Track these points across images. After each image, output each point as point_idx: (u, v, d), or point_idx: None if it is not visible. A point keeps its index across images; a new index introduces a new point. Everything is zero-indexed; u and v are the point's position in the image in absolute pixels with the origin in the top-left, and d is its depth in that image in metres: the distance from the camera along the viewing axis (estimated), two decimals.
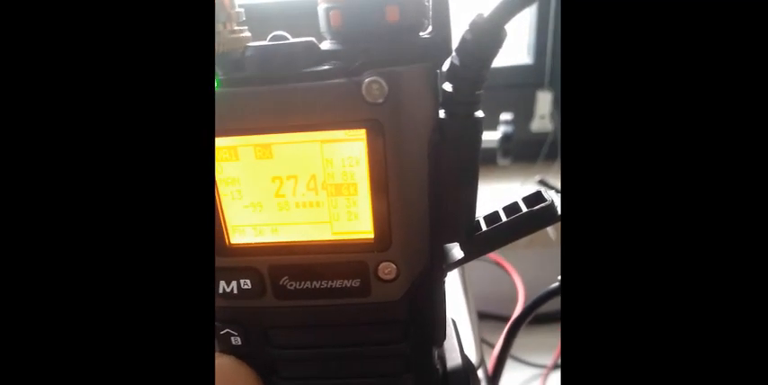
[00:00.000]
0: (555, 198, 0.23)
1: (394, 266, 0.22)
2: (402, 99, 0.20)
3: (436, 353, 0.27)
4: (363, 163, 0.21)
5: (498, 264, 0.74)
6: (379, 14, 0.20)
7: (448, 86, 0.21)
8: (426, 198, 0.22)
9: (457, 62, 0.21)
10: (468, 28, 0.20)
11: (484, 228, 0.24)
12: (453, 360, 0.29)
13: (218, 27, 0.21)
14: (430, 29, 0.21)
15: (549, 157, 0.98)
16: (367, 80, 0.19)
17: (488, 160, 0.91)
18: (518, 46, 1.04)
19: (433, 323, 0.25)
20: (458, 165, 0.22)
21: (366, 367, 0.25)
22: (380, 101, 0.19)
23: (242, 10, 0.22)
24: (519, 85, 1.00)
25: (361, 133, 0.20)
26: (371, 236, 0.22)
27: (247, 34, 0.22)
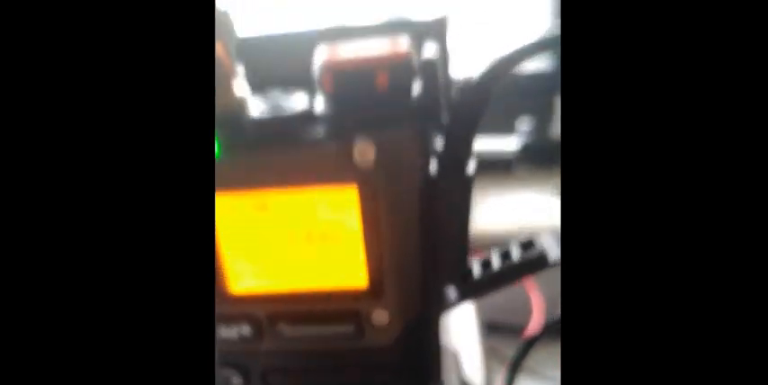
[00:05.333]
0: (547, 245, 0.24)
1: (387, 313, 0.23)
2: (391, 160, 0.20)
3: None
4: (356, 217, 0.21)
5: None
6: (369, 81, 0.20)
7: (438, 145, 0.22)
8: (418, 248, 0.23)
9: (446, 122, 0.21)
10: (457, 91, 0.21)
11: (477, 272, 0.24)
12: None
13: (218, 88, 0.22)
14: (420, 89, 0.22)
15: None
16: (357, 144, 0.20)
17: (505, 168, 0.91)
18: None
19: (425, 365, 0.26)
20: (449, 218, 0.23)
21: None
22: (370, 162, 0.20)
23: (241, 67, 0.23)
24: (537, 92, 1.00)
25: (354, 191, 0.21)
26: (365, 284, 0.23)
27: (245, 94, 0.22)
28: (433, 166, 0.22)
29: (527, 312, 0.76)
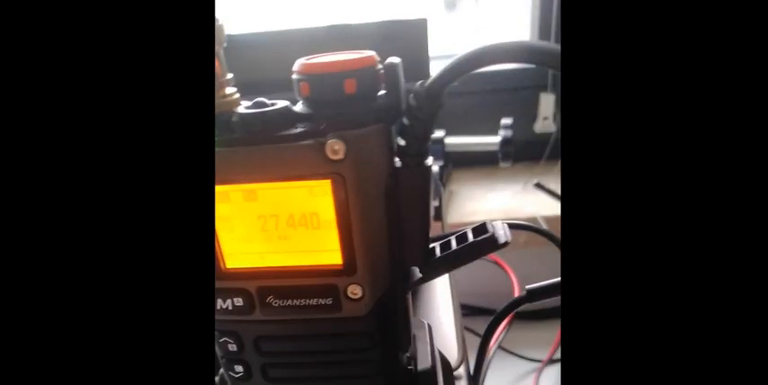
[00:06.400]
0: (497, 229, 0.28)
1: (360, 288, 0.27)
2: (359, 155, 0.24)
3: (406, 356, 0.32)
4: (330, 206, 0.25)
5: (496, 263, 0.78)
6: (339, 86, 0.24)
7: (401, 141, 0.25)
8: (385, 232, 0.26)
9: (406, 122, 0.25)
10: (411, 94, 0.25)
11: (438, 253, 0.28)
12: (424, 362, 0.33)
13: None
14: (384, 91, 0.25)
15: (552, 158, 1.02)
16: (329, 141, 0.24)
17: (491, 162, 0.95)
18: None
19: (396, 333, 0.29)
20: (410, 204, 0.26)
21: (341, 370, 0.29)
22: (341, 157, 0.24)
23: (231, 76, 0.26)
24: (522, 88, 1.04)
25: (327, 183, 0.25)
26: (340, 263, 0.26)
27: (236, 96, 0.26)
28: (397, 160, 0.26)
29: (506, 297, 0.80)
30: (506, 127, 0.86)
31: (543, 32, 1.06)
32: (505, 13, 1.17)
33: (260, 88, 0.33)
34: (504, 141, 0.84)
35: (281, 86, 0.36)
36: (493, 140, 0.89)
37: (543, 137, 1.05)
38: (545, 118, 1.05)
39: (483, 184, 0.95)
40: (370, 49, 0.27)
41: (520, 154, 0.98)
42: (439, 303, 0.51)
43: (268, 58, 0.46)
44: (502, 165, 0.88)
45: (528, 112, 1.06)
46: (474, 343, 0.51)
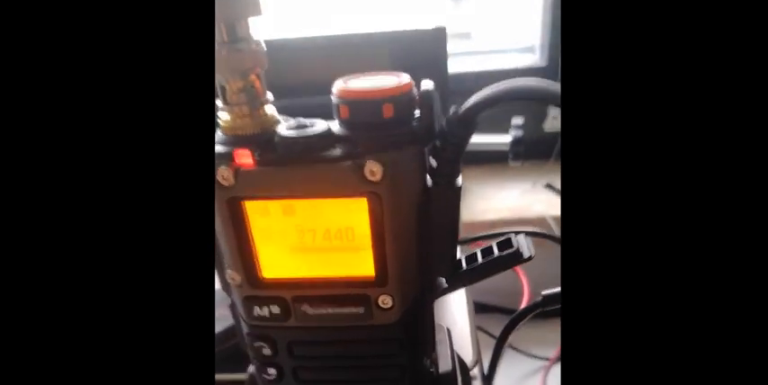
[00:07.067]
0: (521, 243, 0.29)
1: (390, 298, 0.28)
2: (395, 176, 0.25)
3: (429, 360, 0.33)
4: (365, 222, 0.27)
5: None
6: (377, 110, 0.25)
7: (433, 162, 0.27)
8: (416, 246, 0.28)
9: (438, 144, 0.26)
10: (444, 121, 0.26)
11: (464, 266, 0.30)
12: (445, 365, 0.35)
13: (254, 112, 0.27)
14: (418, 114, 0.27)
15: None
16: (367, 163, 0.25)
17: (501, 161, 0.96)
18: (531, 48, 1.08)
19: (423, 339, 0.31)
20: (441, 221, 0.28)
21: (370, 374, 0.31)
22: (378, 178, 0.25)
23: (271, 96, 0.27)
24: None
25: (364, 201, 0.26)
26: (373, 274, 0.28)
27: (275, 115, 0.27)
28: (429, 180, 0.27)
29: (515, 296, 0.81)
30: (517, 127, 0.86)
31: (554, 26, 1.06)
32: (511, 6, 1.17)
33: (279, 92, 0.34)
34: (515, 141, 0.86)
35: (301, 91, 0.37)
36: (503, 140, 0.90)
37: (552, 135, 1.06)
38: (554, 117, 1.06)
39: (493, 182, 0.97)
40: (389, 57, 0.28)
41: (529, 152, 0.99)
42: (454, 303, 0.53)
43: (288, 64, 0.48)
44: (512, 164, 0.89)
45: (538, 110, 1.07)
46: (483, 339, 0.52)
